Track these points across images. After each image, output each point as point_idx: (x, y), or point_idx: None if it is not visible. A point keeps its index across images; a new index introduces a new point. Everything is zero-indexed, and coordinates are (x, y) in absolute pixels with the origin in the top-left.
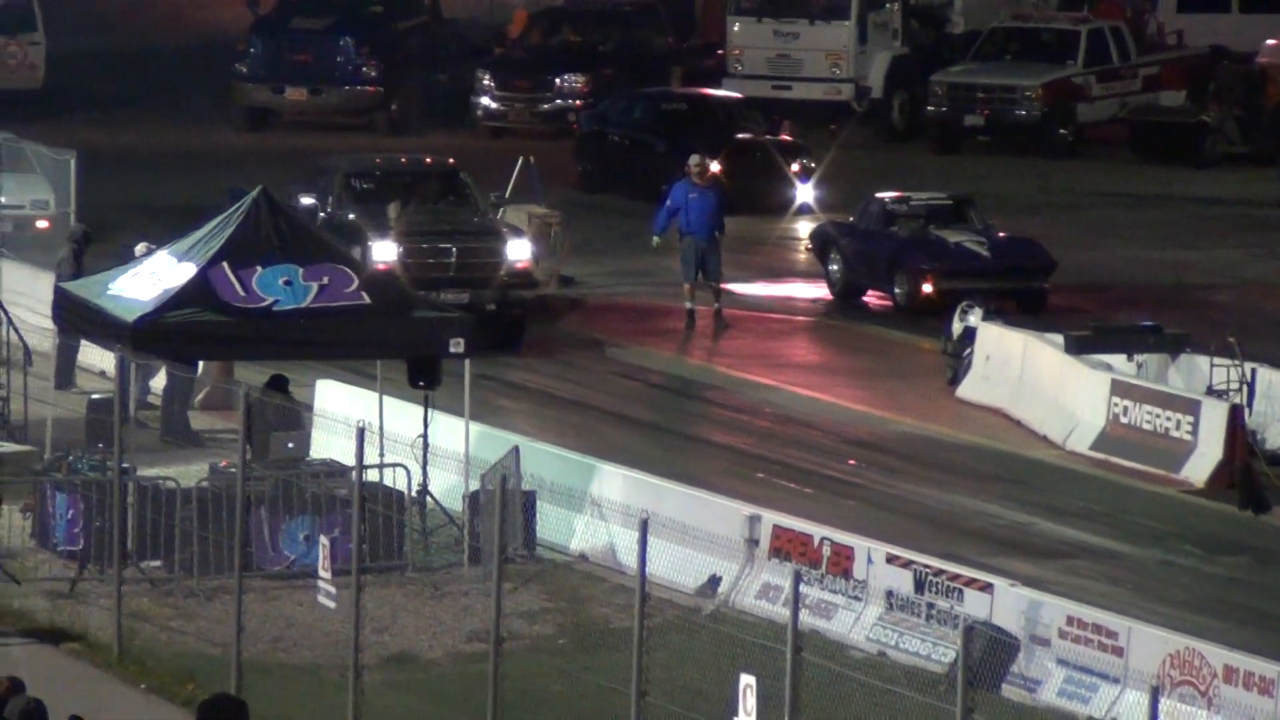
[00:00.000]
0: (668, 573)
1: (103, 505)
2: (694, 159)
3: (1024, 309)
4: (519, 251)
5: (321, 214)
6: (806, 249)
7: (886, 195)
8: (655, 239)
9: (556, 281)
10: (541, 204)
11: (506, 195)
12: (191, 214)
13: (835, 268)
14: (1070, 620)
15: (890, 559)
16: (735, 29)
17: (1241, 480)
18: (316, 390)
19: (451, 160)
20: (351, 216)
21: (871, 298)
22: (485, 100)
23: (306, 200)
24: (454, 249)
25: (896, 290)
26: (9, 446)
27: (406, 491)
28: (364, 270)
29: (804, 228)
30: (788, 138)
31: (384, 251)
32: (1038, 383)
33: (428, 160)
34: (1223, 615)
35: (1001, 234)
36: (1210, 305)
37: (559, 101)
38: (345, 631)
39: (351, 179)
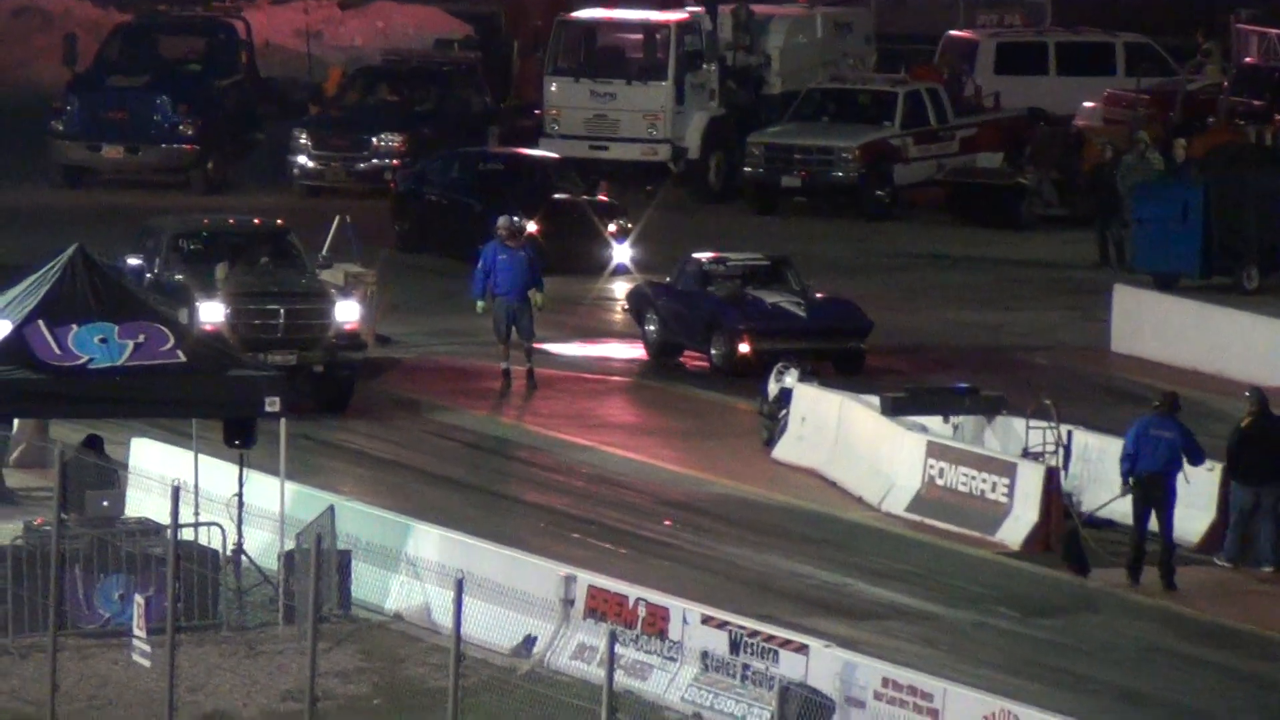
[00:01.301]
0: (483, 633)
1: None
2: (502, 220)
3: (840, 370)
4: (347, 313)
5: (149, 275)
6: (623, 309)
7: (703, 255)
8: (479, 304)
9: (373, 340)
10: (358, 262)
11: (323, 254)
12: (8, 271)
13: (652, 328)
14: (886, 681)
15: (705, 619)
16: (552, 89)
17: (1066, 541)
18: (132, 448)
19: (280, 221)
20: (179, 277)
21: (688, 358)
22: (302, 159)
23: (134, 261)
24: (282, 310)
25: (713, 351)
26: None
27: (222, 550)
28: (181, 329)
29: (620, 288)
30: (604, 198)
31: (211, 313)
32: (854, 444)
33: (256, 221)
34: (1038, 677)
35: (819, 294)
36: (1026, 367)
37: (376, 161)
38: (160, 690)
39: (179, 240)
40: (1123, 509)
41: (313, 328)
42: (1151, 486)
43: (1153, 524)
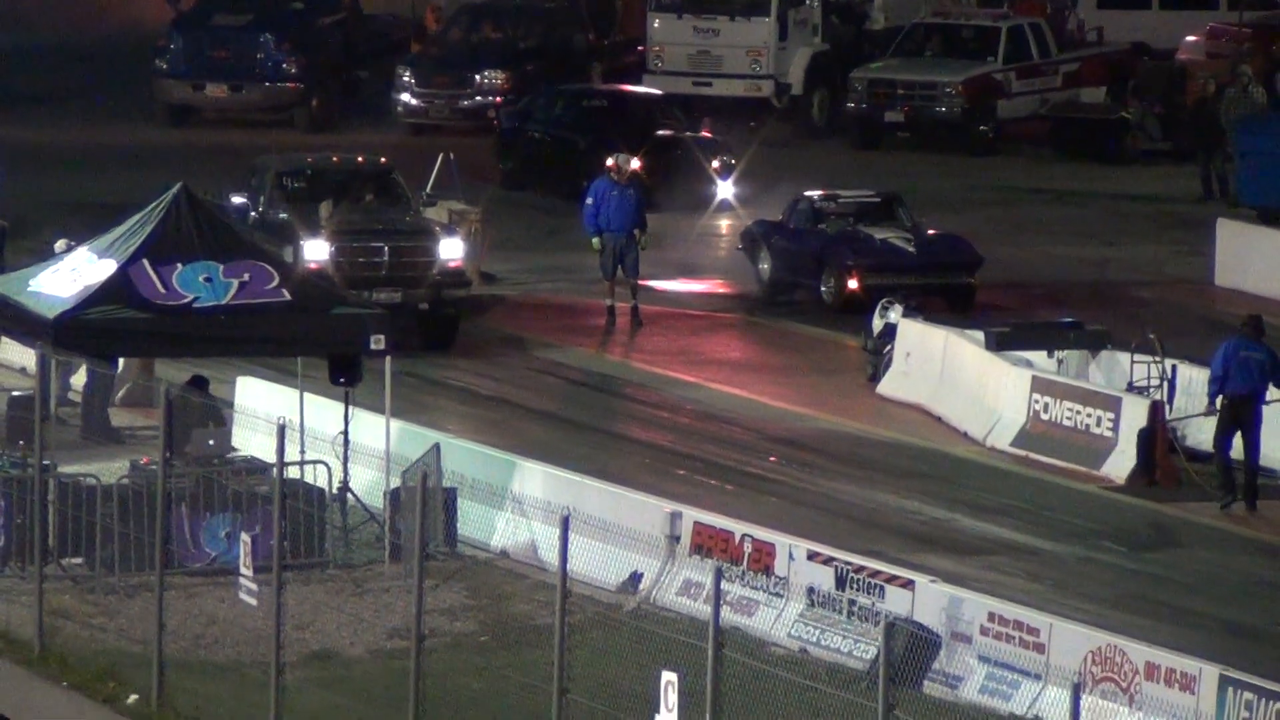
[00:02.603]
0: (589, 569)
1: (24, 502)
2: (615, 157)
3: (951, 306)
4: (452, 250)
5: (253, 214)
6: (737, 247)
7: (814, 193)
8: (594, 240)
9: (478, 278)
10: (461, 200)
11: (427, 192)
12: (112, 211)
13: (765, 265)
14: (991, 617)
15: (811, 556)
16: (655, 25)
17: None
18: (237, 387)
19: (384, 159)
20: (284, 216)
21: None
22: (405, 97)
23: (238, 200)
24: (386, 248)
25: (823, 288)
26: None
27: (327, 488)
28: (285, 267)
29: (724, 224)
30: (708, 134)
31: (316, 251)
32: (958, 379)
33: (360, 159)
34: (1144, 612)
35: (930, 231)
36: (1130, 302)
37: (479, 98)
38: (267, 628)
39: (283, 178)
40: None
41: (417, 265)
42: (1241, 408)
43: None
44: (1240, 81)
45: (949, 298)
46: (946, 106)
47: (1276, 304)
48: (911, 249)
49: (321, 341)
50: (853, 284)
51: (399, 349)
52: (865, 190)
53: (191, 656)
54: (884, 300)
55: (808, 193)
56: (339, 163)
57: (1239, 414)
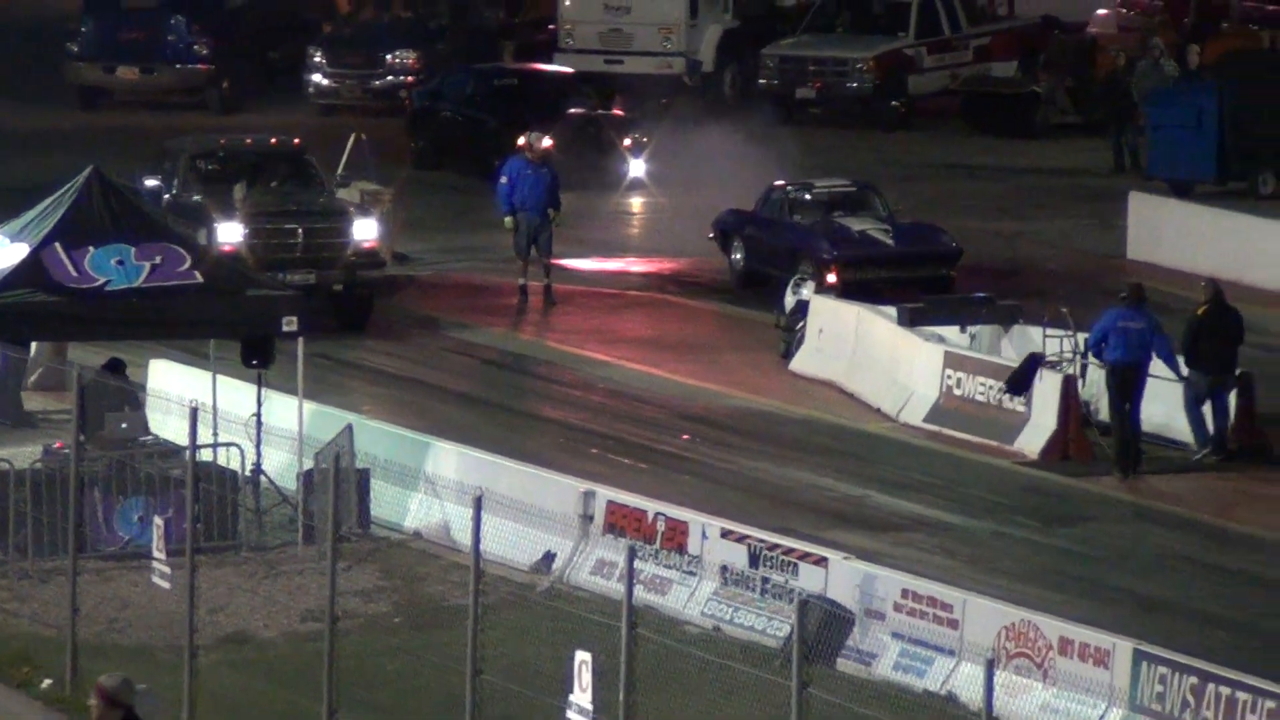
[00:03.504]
0: (503, 550)
1: None
2: (528, 135)
3: (926, 291)
4: (366, 231)
5: (166, 196)
6: (708, 237)
7: (788, 183)
8: (508, 219)
9: (390, 258)
10: (374, 180)
11: (339, 172)
12: (23, 194)
13: (738, 256)
14: (905, 593)
15: (725, 534)
16: (566, 3)
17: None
18: (150, 370)
19: (297, 140)
20: (197, 198)
21: (704, 272)
22: (317, 77)
23: (151, 182)
24: (300, 229)
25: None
26: None
27: (241, 471)
28: (198, 249)
29: (637, 202)
30: (619, 112)
31: (230, 233)
32: (871, 355)
33: (273, 141)
34: (1057, 587)
35: (906, 221)
36: (1043, 275)
37: (390, 78)
38: (180, 612)
39: (196, 160)
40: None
41: (331, 246)
42: (1125, 375)
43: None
44: (1152, 54)
45: (928, 289)
46: (858, 82)
47: (1187, 276)
48: (890, 241)
49: (234, 323)
50: (832, 276)
51: (312, 330)
52: (840, 180)
53: (105, 640)
54: (796, 276)
55: (780, 182)
56: (252, 144)
57: (1125, 382)
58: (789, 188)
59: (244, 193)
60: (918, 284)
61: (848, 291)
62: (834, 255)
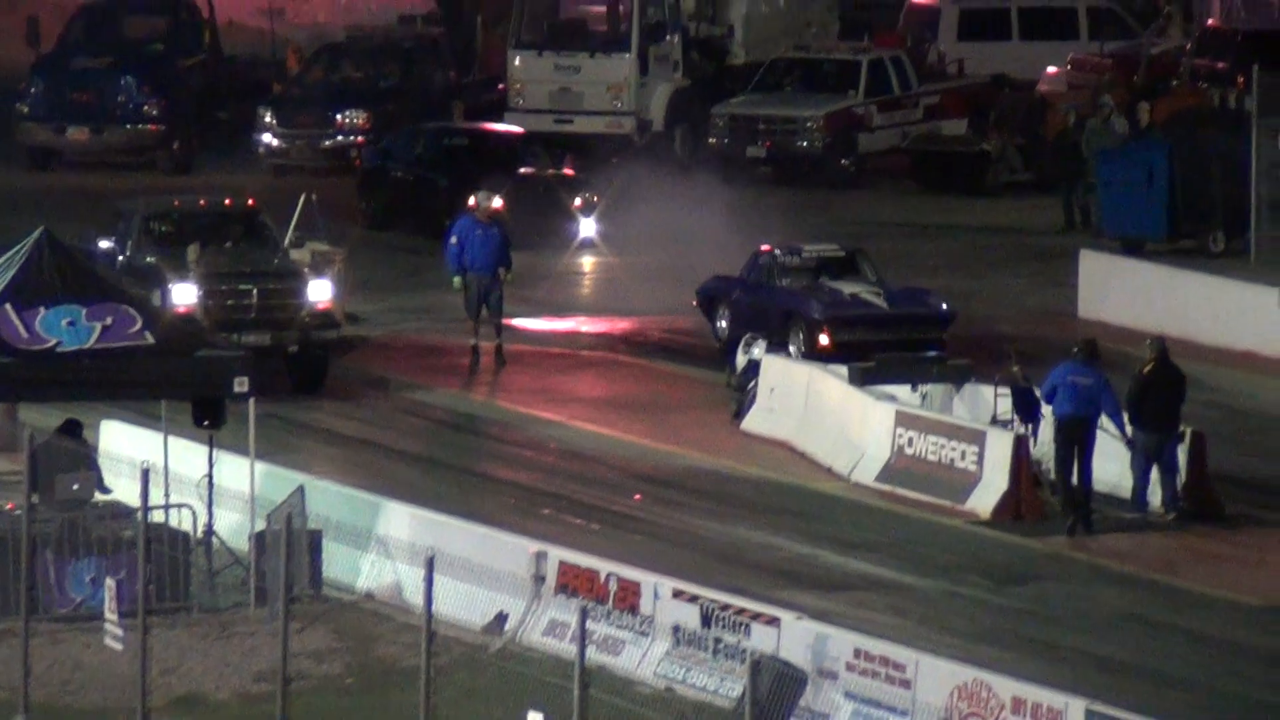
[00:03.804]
0: (455, 610)
1: None
2: (478, 195)
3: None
4: (320, 292)
5: (121, 257)
6: (692, 304)
7: (776, 247)
8: (456, 280)
9: (344, 319)
10: (325, 241)
11: (290, 233)
12: None
13: (723, 324)
14: (858, 653)
15: (677, 593)
16: (516, 63)
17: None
18: (101, 431)
19: (251, 201)
20: (151, 260)
21: (658, 331)
22: (267, 137)
23: (106, 244)
24: (255, 290)
25: (791, 345)
26: None
27: (192, 532)
28: (149, 310)
29: (588, 261)
30: (570, 172)
31: (184, 294)
32: (823, 415)
33: (227, 201)
34: (1010, 646)
35: (897, 285)
36: (994, 334)
37: (341, 138)
38: (133, 673)
39: (150, 222)
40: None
41: (286, 308)
42: (1073, 431)
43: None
44: (1102, 112)
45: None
46: (808, 141)
47: (1138, 334)
48: (883, 303)
49: (185, 384)
50: (824, 339)
51: (266, 392)
52: (828, 244)
53: (58, 702)
54: (747, 336)
55: (767, 247)
56: (206, 205)
57: (1072, 437)
58: (776, 252)
59: (198, 254)
60: (909, 347)
61: (839, 355)
62: (825, 317)
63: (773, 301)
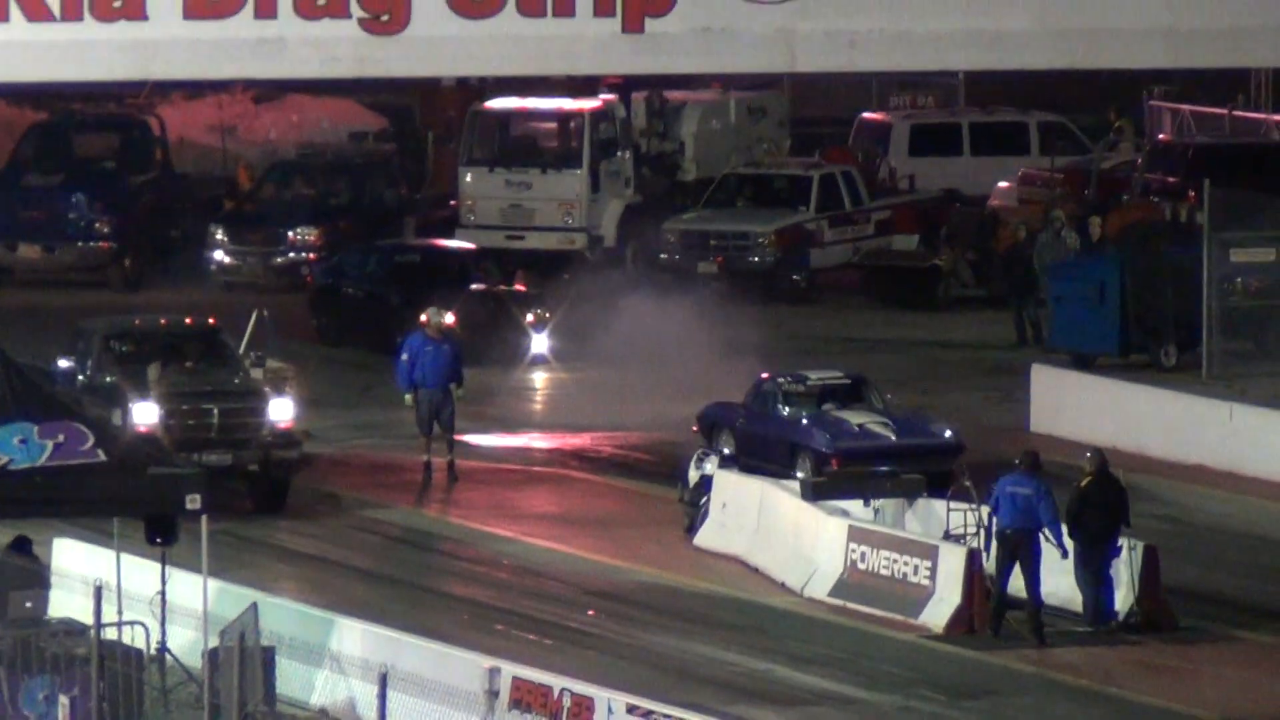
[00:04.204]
0: None
1: None
2: (429, 312)
3: (930, 490)
4: (282, 411)
5: (81, 377)
6: (692, 430)
7: (780, 375)
8: (407, 396)
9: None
10: (277, 358)
11: (241, 350)
12: None
13: (726, 451)
14: None
15: (631, 709)
16: (467, 179)
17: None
18: (54, 549)
19: (212, 320)
20: (112, 379)
21: (605, 447)
22: (218, 254)
23: (65, 363)
24: (216, 410)
25: (799, 474)
26: None
27: (146, 649)
28: (100, 427)
29: (540, 377)
30: (522, 287)
31: (145, 414)
32: (775, 529)
33: (188, 320)
34: None
35: (902, 413)
36: None
37: (292, 255)
38: None
39: (111, 341)
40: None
41: (247, 426)
42: (1012, 542)
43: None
44: (1053, 226)
45: (929, 482)
46: (759, 256)
47: (1089, 448)
48: (891, 435)
49: (138, 502)
50: (833, 470)
51: (226, 511)
52: (832, 371)
53: None
54: (699, 451)
55: (770, 374)
56: (166, 324)
57: (1012, 549)
58: (780, 379)
59: (159, 373)
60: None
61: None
62: (834, 450)
63: (779, 432)
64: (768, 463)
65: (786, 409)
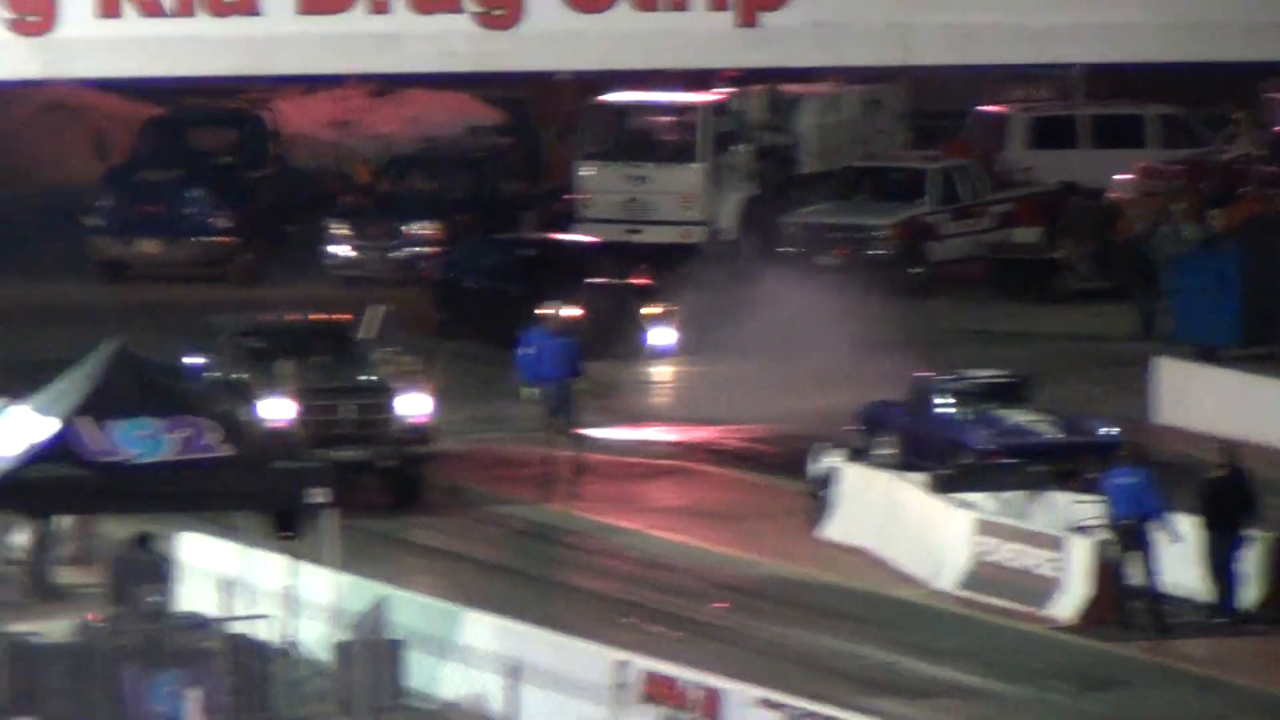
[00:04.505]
0: (538, 719)
1: None
2: (548, 306)
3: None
4: (415, 407)
5: (213, 373)
6: (852, 428)
7: (941, 373)
8: (529, 390)
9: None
10: (399, 352)
11: (389, 348)
12: (50, 368)
13: (885, 450)
14: None
15: (760, 701)
16: (585, 173)
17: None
18: (181, 543)
19: (343, 316)
20: (244, 375)
21: (729, 439)
22: (336, 249)
23: (195, 360)
24: (349, 406)
25: None
26: None
27: (273, 643)
28: (225, 421)
29: (660, 370)
30: (642, 280)
31: (278, 410)
32: (902, 522)
33: (318, 317)
34: None
35: (1064, 412)
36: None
37: (410, 249)
38: None
39: (243, 337)
40: (1171, 579)
41: (380, 422)
42: (1125, 533)
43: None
44: (1172, 219)
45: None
46: (879, 249)
47: (1212, 440)
48: (1054, 433)
49: (263, 496)
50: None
51: (360, 507)
52: (995, 370)
53: None
54: (820, 444)
55: (930, 373)
56: (297, 320)
57: (1125, 539)
58: (941, 378)
59: (291, 369)
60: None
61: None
62: (992, 447)
63: (940, 430)
64: (929, 461)
65: (948, 407)
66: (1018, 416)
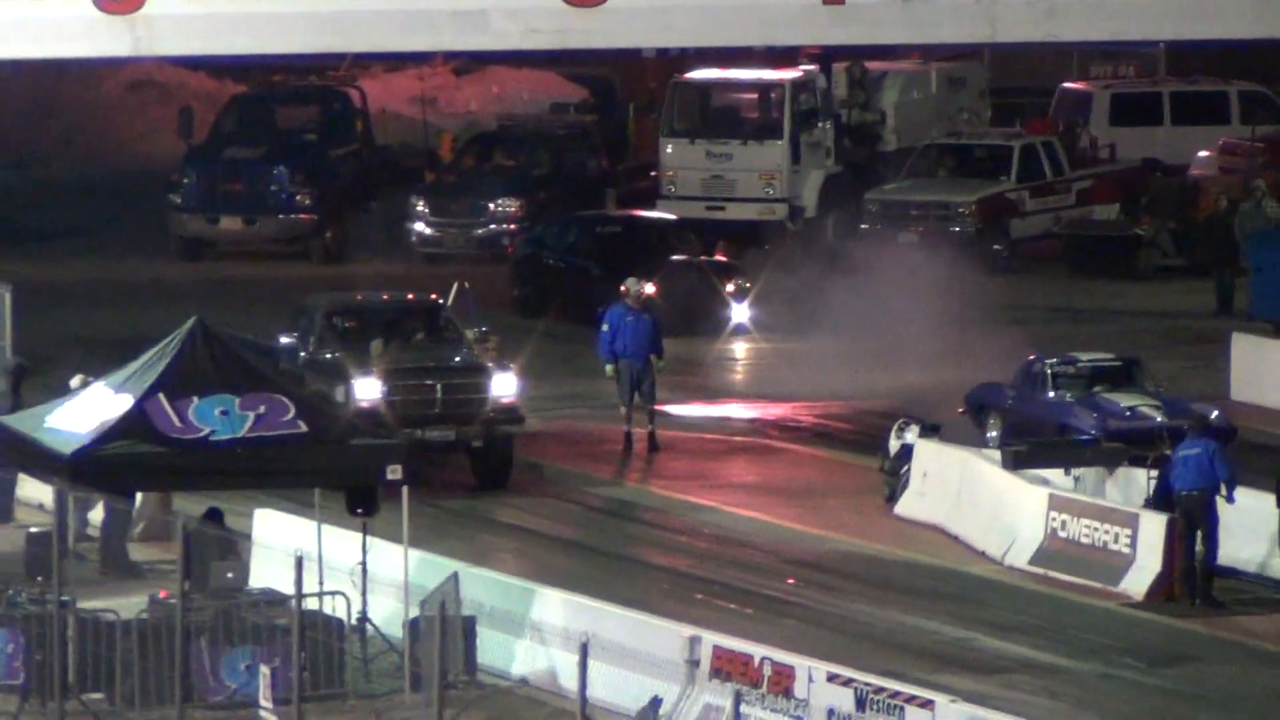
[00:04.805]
0: (609, 695)
1: (43, 638)
2: (628, 282)
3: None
4: (504, 387)
5: (303, 354)
6: (959, 411)
7: (1048, 356)
8: (609, 367)
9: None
10: (479, 328)
11: (480, 329)
12: (128, 346)
13: (994, 434)
14: None
15: (831, 677)
16: (668, 150)
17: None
18: (255, 519)
19: (434, 296)
20: (334, 355)
21: (806, 415)
22: (419, 226)
23: (287, 340)
24: (439, 385)
25: None
26: None
27: (346, 619)
28: (301, 399)
29: (740, 348)
30: (722, 258)
31: (368, 390)
32: (976, 498)
33: (409, 296)
34: None
35: (1174, 396)
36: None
37: (493, 226)
38: None
39: (333, 318)
40: (1243, 555)
41: (470, 402)
42: (1190, 506)
43: None
44: (1254, 196)
45: None
46: (960, 226)
47: None
48: (1160, 417)
49: (338, 473)
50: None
51: (448, 486)
52: (1103, 353)
53: None
54: (900, 420)
55: (1040, 356)
56: (388, 300)
57: (1190, 513)
58: (1051, 360)
59: (381, 349)
60: None
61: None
62: (1101, 431)
63: (1047, 414)
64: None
65: (1055, 391)
66: (1125, 400)
